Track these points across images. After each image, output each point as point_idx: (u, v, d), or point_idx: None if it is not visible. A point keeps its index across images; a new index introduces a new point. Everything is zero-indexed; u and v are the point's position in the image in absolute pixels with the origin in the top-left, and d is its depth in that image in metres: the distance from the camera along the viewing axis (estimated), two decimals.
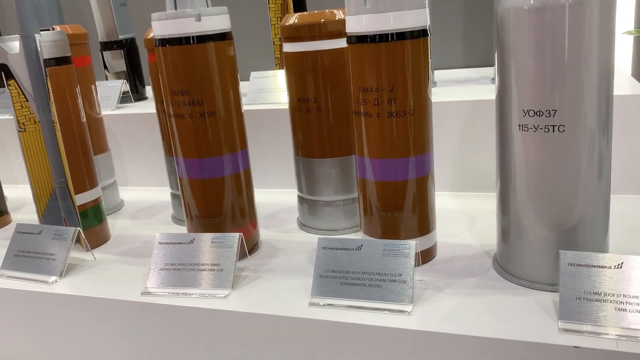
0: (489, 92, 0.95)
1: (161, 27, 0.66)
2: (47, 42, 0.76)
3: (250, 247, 0.75)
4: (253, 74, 1.09)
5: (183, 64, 0.66)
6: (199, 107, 0.68)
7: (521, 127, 0.56)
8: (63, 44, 0.78)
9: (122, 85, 1.16)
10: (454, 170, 0.92)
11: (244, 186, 0.73)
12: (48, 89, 0.77)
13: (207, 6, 0.67)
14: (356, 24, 0.61)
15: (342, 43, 0.73)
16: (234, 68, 0.70)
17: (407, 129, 0.62)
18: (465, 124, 0.89)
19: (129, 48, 1.23)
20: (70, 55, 0.79)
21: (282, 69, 1.11)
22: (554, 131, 0.55)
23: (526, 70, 0.55)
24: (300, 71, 0.75)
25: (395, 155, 0.63)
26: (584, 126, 0.55)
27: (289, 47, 0.75)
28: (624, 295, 0.52)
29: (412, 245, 0.60)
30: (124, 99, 1.17)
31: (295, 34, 0.74)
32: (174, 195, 0.92)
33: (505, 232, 0.62)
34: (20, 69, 0.78)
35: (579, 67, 0.53)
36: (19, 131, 0.81)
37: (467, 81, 1.09)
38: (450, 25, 1.27)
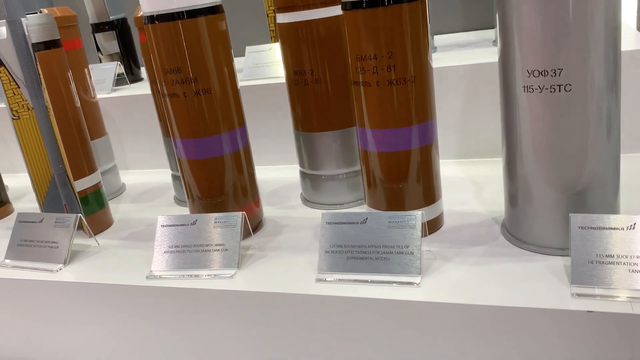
0: (491, 55, 0.92)
1: (149, 3, 0.64)
2: (34, 25, 0.74)
3: (254, 225, 0.74)
4: (248, 49, 1.06)
5: (174, 41, 0.64)
6: (193, 84, 0.66)
7: (526, 89, 0.54)
8: (51, 27, 0.76)
9: (116, 67, 1.14)
10: (458, 137, 0.91)
11: (244, 164, 0.72)
12: (39, 74, 0.75)
13: None
14: None
15: (337, 11, 0.71)
16: (227, 43, 0.68)
17: (408, 97, 0.61)
18: (468, 89, 0.87)
19: (121, 29, 1.20)
20: (59, 38, 0.77)
21: (278, 41, 1.09)
22: (560, 91, 0.53)
23: (529, 29, 0.53)
24: (296, 42, 0.73)
25: (397, 124, 0.61)
26: (592, 84, 0.53)
27: (282, 18, 0.73)
28: (638, 257, 0.50)
29: (418, 216, 0.58)
30: (119, 81, 1.15)
31: (287, 3, 0.71)
32: (174, 177, 0.91)
33: (513, 198, 0.61)
34: (9, 55, 0.76)
35: (584, 22, 0.51)
36: (13, 119, 0.79)
37: (467, 45, 1.06)
38: None
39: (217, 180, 0.70)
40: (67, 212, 0.82)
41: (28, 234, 0.77)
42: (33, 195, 0.92)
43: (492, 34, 1.14)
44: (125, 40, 1.21)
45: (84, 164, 0.81)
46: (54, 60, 0.76)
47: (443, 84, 0.87)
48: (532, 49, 0.53)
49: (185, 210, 0.85)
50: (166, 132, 0.86)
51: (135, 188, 1.01)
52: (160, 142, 0.94)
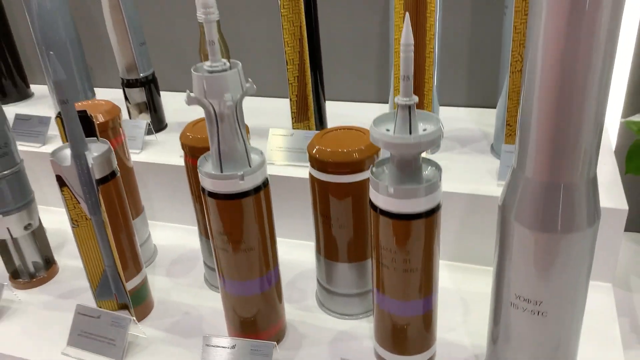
0: (490, 174, 1.04)
1: (210, 183, 0.75)
2: (96, 159, 0.84)
3: (279, 338, 0.90)
4: (272, 131, 1.16)
5: (227, 213, 0.76)
6: (239, 244, 0.79)
7: (512, 305, 0.69)
8: (110, 159, 0.86)
9: (146, 127, 1.24)
10: (452, 242, 1.05)
11: (275, 297, 0.86)
12: (99, 199, 0.86)
13: (249, 166, 0.75)
14: (382, 202, 0.70)
15: (365, 175, 0.82)
16: (270, 210, 0.80)
17: (417, 280, 0.75)
18: (466, 209, 1.01)
19: (149, 84, 1.28)
20: (117, 167, 0.87)
21: (298, 123, 1.19)
22: (538, 315, 0.68)
23: (520, 266, 0.66)
24: (325, 195, 0.85)
25: (406, 298, 0.76)
26: (565, 312, 0.67)
27: (315, 173, 0.85)
28: None
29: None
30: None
31: (319, 166, 0.83)
32: (203, 249, 1.04)
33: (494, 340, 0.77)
34: (72, 180, 0.86)
35: (566, 263, 0.65)
36: (73, 227, 0.91)
37: (468, 141, 1.18)
38: (455, 63, 1.32)
39: (254, 310, 0.85)
40: (117, 301, 0.97)
41: (87, 326, 0.91)
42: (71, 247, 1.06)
43: (492, 116, 1.24)
44: (152, 93, 1.29)
45: (133, 266, 0.94)
46: (113, 187, 0.87)
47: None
48: (520, 281, 0.67)
49: (214, 296, 1.00)
50: (204, 233, 0.99)
51: (166, 253, 1.15)
52: (189, 202, 1.06)
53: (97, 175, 0.84)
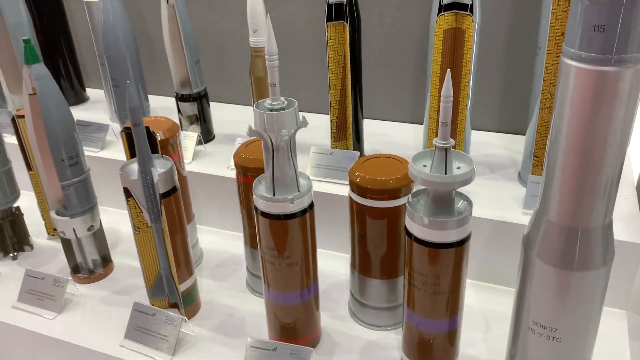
0: (516, 202, 1.12)
1: (263, 204, 0.84)
2: (162, 177, 0.94)
3: (314, 344, 0.99)
4: (312, 149, 1.25)
5: (276, 232, 0.86)
6: (286, 259, 0.88)
7: (529, 329, 0.77)
8: (173, 175, 0.96)
9: (197, 139, 1.34)
10: (477, 263, 1.12)
11: (314, 307, 0.95)
12: (160, 210, 0.97)
13: (298, 191, 0.84)
14: (417, 231, 0.79)
15: (400, 201, 0.91)
16: (313, 229, 0.89)
17: (445, 301, 0.83)
18: (491, 236, 1.08)
19: (201, 98, 1.38)
20: (177, 182, 0.98)
21: (337, 142, 1.28)
22: (552, 340, 0.75)
23: (539, 298, 0.74)
24: (363, 218, 0.93)
25: (433, 317, 0.84)
26: (578, 339, 0.75)
27: (354, 196, 0.93)
28: None
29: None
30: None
31: (359, 190, 0.92)
32: (247, 256, 1.13)
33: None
34: (137, 192, 0.97)
35: (580, 300, 0.72)
36: (134, 233, 1.02)
37: (497, 167, 1.25)
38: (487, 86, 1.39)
39: (293, 317, 0.94)
40: (169, 300, 1.07)
41: (143, 322, 1.02)
42: (126, 246, 1.18)
43: (521, 143, 1.31)
44: (203, 107, 1.40)
45: (186, 269, 1.04)
46: (173, 200, 0.97)
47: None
48: (538, 309, 0.75)
49: (256, 299, 1.10)
50: (249, 242, 1.08)
51: (211, 257, 1.25)
52: (234, 211, 1.15)
53: (160, 189, 0.94)
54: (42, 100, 1.01)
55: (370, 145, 1.35)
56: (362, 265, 0.99)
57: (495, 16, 1.30)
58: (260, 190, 0.85)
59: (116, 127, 1.50)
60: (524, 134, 1.20)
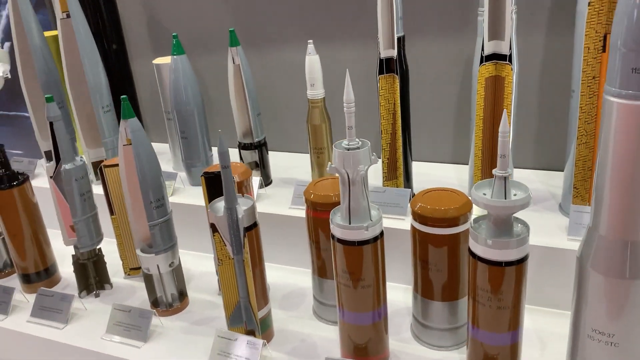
0: (560, 230, 1.21)
1: (340, 232, 0.96)
2: (246, 212, 1.06)
3: None
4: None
5: (352, 257, 0.97)
6: (359, 282, 0.98)
7: (589, 337, 0.86)
8: (254, 212, 1.09)
9: (260, 182, 1.47)
10: (528, 287, 1.21)
11: (383, 328, 1.05)
12: (242, 243, 1.08)
13: (371, 220, 0.96)
14: (480, 251, 0.89)
15: (459, 228, 1.02)
16: (384, 255, 1.00)
17: (508, 316, 0.92)
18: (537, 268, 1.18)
19: (261, 147, 1.53)
20: (257, 218, 1.10)
21: (388, 181, 1.40)
22: (610, 345, 0.84)
23: (595, 306, 0.83)
24: (424, 243, 1.04)
25: (498, 331, 0.93)
26: (634, 343, 0.83)
27: (416, 225, 1.04)
28: None
29: None
30: None
31: (421, 219, 1.03)
32: (315, 285, 1.23)
33: None
34: (222, 227, 1.09)
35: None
36: (218, 265, 1.13)
37: (537, 200, 1.35)
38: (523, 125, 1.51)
39: (365, 337, 1.04)
40: (246, 327, 1.17)
41: (225, 347, 1.12)
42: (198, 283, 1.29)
43: (557, 178, 1.41)
44: (262, 154, 1.54)
45: (262, 299, 1.15)
46: (254, 234, 1.09)
47: None
48: (595, 317, 0.84)
49: (324, 327, 1.20)
50: (317, 272, 1.19)
51: (277, 290, 1.35)
52: (295, 246, 1.25)
53: (245, 223, 1.07)
54: (136, 150, 1.16)
55: (417, 184, 1.46)
56: (424, 289, 1.09)
57: (531, 64, 1.43)
58: (337, 220, 0.97)
59: (182, 175, 1.64)
60: (559, 170, 1.31)
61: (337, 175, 0.95)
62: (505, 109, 0.85)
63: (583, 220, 1.17)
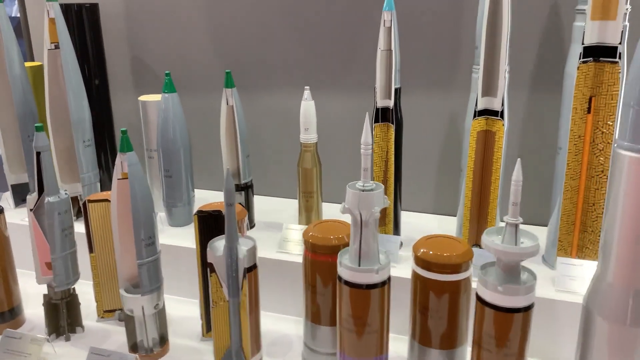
0: (545, 281, 1.25)
1: (349, 274, 0.95)
2: (248, 252, 1.04)
3: None
4: None
5: (359, 300, 0.96)
6: (364, 327, 0.97)
7: None
8: (255, 252, 1.06)
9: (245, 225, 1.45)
10: None
11: None
12: (243, 284, 1.05)
13: (380, 263, 0.96)
14: (489, 297, 0.90)
15: (461, 276, 1.03)
16: (389, 300, 0.99)
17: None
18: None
19: (247, 189, 1.51)
20: (257, 260, 1.08)
21: (379, 227, 1.41)
22: None
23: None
24: (425, 289, 1.04)
25: None
26: None
27: (418, 270, 1.05)
28: None
29: None
30: None
31: (423, 265, 1.03)
32: (306, 331, 1.19)
33: None
34: (220, 268, 1.06)
35: None
36: (212, 307, 1.09)
37: None
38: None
39: None
40: None
41: None
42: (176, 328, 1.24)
43: (539, 231, 1.46)
44: (248, 196, 1.52)
45: (255, 344, 1.11)
46: (253, 275, 1.07)
47: None
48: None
49: None
50: (310, 317, 1.17)
51: (264, 336, 1.31)
52: (280, 292, 1.23)
53: (246, 264, 1.04)
54: (132, 184, 1.12)
55: (403, 232, 1.48)
56: (422, 336, 1.08)
57: (520, 121, 1.50)
58: (346, 262, 0.96)
59: (162, 215, 1.59)
60: (541, 224, 1.36)
61: (337, 218, 0.95)
62: (519, 159, 0.88)
63: (570, 272, 1.21)
